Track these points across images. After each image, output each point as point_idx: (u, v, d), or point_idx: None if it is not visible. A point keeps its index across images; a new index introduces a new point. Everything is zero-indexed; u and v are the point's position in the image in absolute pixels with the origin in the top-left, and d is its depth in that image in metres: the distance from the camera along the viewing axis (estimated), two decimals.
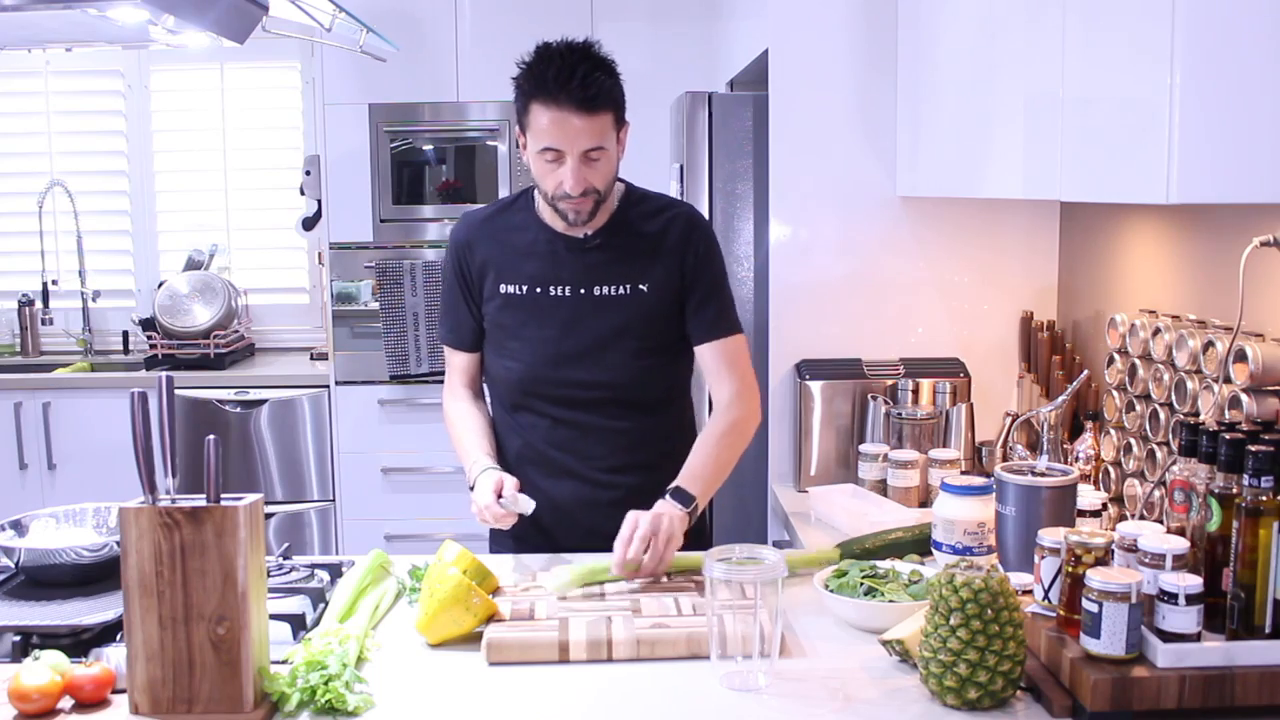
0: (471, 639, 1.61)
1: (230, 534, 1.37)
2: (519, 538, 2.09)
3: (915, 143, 2.56)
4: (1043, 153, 1.91)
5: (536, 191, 2.04)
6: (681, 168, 2.97)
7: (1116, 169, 1.65)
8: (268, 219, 4.70)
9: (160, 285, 4.47)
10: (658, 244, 2.04)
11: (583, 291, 2.02)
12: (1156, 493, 1.92)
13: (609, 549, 1.84)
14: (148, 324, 4.39)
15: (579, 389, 2.04)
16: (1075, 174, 1.79)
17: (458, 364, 2.17)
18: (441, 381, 4.61)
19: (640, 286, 2.03)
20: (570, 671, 1.53)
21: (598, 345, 2.03)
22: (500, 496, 1.90)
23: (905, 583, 1.71)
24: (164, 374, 1.47)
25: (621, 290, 2.03)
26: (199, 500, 1.39)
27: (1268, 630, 1.39)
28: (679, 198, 2.71)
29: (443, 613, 1.59)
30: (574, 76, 1.84)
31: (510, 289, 2.05)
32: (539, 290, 2.03)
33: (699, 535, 2.06)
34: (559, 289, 2.03)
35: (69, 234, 4.64)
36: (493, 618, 1.64)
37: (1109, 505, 2.02)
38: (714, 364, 2.07)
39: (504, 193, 4.11)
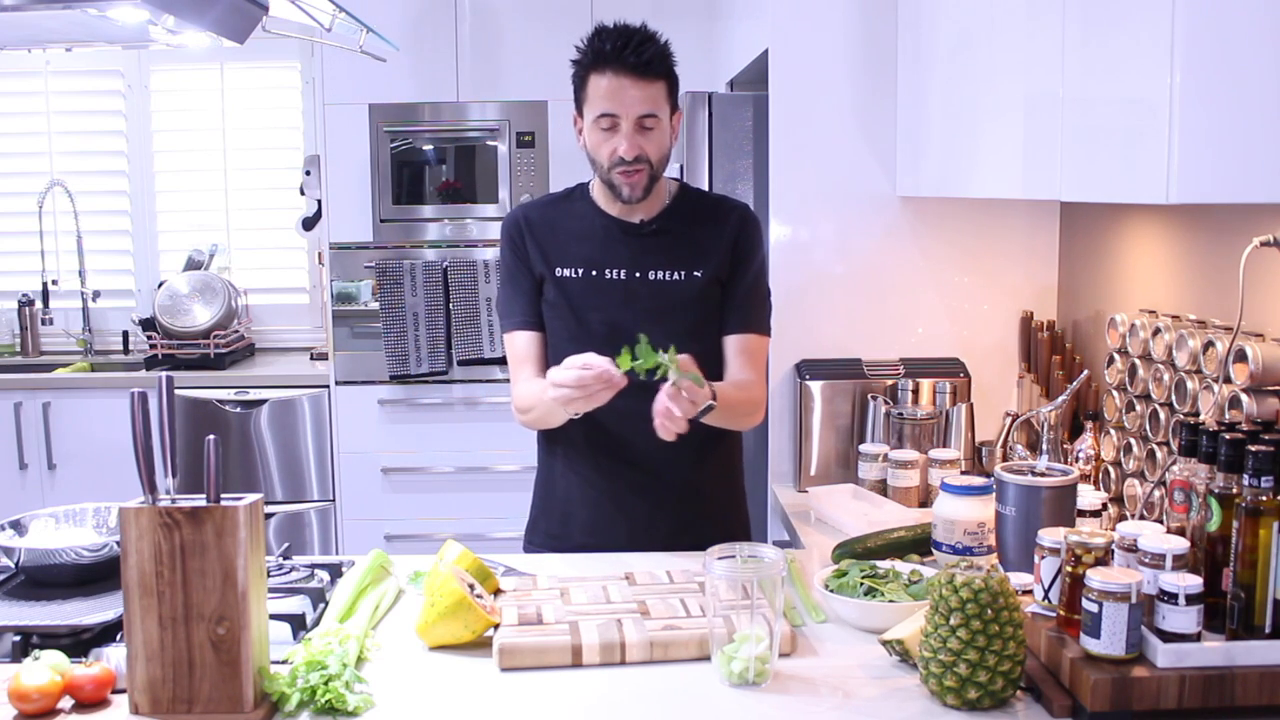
0: (472, 640, 1.61)
1: (230, 534, 1.37)
2: (558, 536, 2.10)
3: (915, 143, 2.56)
4: (1042, 153, 1.91)
5: (592, 181, 2.09)
6: (681, 168, 2.97)
7: (1116, 169, 1.65)
8: (268, 219, 4.70)
9: (160, 285, 4.48)
10: (712, 234, 2.06)
11: (637, 275, 2.04)
12: (1156, 493, 1.92)
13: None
14: (148, 324, 4.39)
15: (633, 372, 2.04)
16: (1075, 174, 1.79)
17: (531, 352, 2.08)
18: (442, 381, 4.56)
19: (695, 273, 2.04)
20: (569, 670, 1.53)
21: (651, 328, 2.02)
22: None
23: (905, 583, 1.71)
24: (164, 374, 1.47)
25: (676, 275, 2.04)
26: (199, 500, 1.39)
27: (1268, 630, 1.39)
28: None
29: (440, 623, 1.60)
30: (629, 44, 1.92)
31: (565, 272, 2.05)
32: (594, 273, 2.04)
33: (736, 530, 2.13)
34: (613, 272, 2.04)
35: (69, 234, 4.64)
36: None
37: (1109, 505, 2.02)
38: (737, 356, 2.07)
39: (504, 193, 4.12)
